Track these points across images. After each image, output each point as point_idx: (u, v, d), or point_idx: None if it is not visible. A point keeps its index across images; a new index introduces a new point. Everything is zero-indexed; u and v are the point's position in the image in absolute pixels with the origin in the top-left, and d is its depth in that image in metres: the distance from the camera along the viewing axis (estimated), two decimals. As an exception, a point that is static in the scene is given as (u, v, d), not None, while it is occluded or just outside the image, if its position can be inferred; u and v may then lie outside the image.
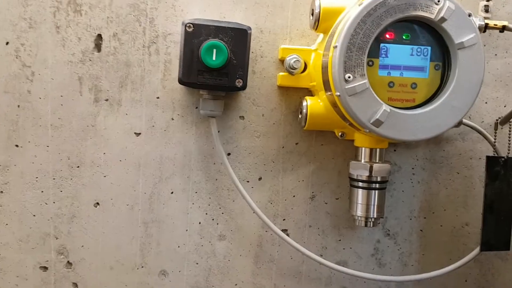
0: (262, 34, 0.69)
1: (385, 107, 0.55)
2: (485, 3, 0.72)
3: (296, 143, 0.72)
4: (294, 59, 0.66)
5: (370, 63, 0.57)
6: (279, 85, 0.69)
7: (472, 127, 0.71)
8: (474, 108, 0.73)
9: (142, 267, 0.71)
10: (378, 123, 0.55)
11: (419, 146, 0.73)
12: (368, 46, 0.55)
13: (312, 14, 0.63)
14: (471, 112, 0.73)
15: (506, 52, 0.73)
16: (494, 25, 0.65)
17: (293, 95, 0.70)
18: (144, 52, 0.68)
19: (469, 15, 0.55)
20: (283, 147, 0.71)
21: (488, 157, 0.68)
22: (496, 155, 0.69)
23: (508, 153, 0.69)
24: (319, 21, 0.61)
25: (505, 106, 0.73)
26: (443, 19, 0.54)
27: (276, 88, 0.70)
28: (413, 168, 0.74)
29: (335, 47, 0.55)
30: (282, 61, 0.68)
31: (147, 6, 0.67)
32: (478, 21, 0.63)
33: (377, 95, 0.56)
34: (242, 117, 0.70)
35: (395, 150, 0.73)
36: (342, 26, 0.55)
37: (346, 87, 0.55)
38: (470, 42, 0.55)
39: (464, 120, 0.70)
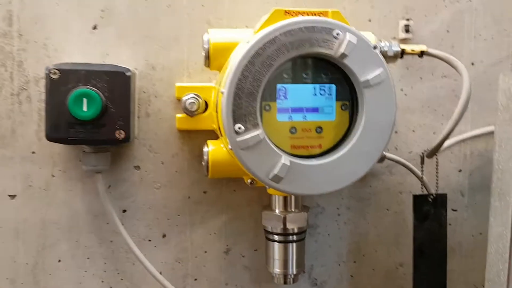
0: (155, 71, 0.61)
1: (284, 159, 0.47)
2: (406, 22, 0.66)
3: (205, 192, 0.63)
4: (190, 100, 0.57)
5: (267, 107, 0.49)
6: (178, 128, 0.61)
7: (397, 161, 0.64)
8: (401, 138, 0.67)
9: None
10: (277, 178, 0.47)
11: (342, 184, 0.66)
12: (259, 91, 0.46)
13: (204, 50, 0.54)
14: (398, 142, 0.67)
15: (432, 75, 0.67)
16: (412, 50, 0.59)
17: (196, 137, 0.62)
18: (13, 101, 0.58)
19: (375, 48, 0.48)
20: (189, 197, 0.63)
21: (415, 196, 0.62)
22: (424, 190, 0.63)
23: (437, 189, 0.63)
24: (210, 59, 0.53)
25: (434, 133, 0.67)
26: (344, 55, 0.47)
27: (176, 131, 0.62)
28: (338, 208, 0.67)
29: (222, 93, 0.47)
30: (180, 100, 0.60)
31: (14, 48, 0.58)
32: (393, 48, 0.57)
33: (278, 143, 0.49)
34: (137, 167, 0.62)
35: (316, 191, 0.66)
36: (229, 69, 0.47)
37: (238, 139, 0.46)
38: (377, 80, 0.48)
39: (388, 154, 0.63)
